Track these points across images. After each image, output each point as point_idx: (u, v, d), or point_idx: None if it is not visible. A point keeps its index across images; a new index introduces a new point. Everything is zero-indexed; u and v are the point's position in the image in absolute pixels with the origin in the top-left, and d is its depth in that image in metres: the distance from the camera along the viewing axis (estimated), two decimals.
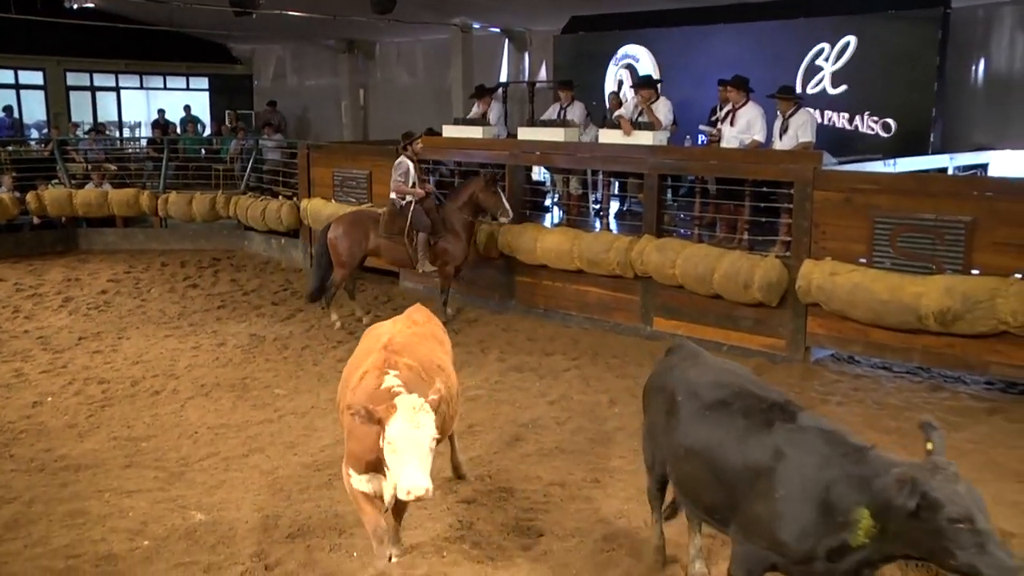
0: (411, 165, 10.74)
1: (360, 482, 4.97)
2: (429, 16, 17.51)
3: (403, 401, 4.55)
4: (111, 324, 11.37)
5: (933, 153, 12.12)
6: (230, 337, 10.70)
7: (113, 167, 18.05)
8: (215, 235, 16.43)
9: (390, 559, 5.21)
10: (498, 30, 19.13)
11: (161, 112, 22.80)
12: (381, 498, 4.97)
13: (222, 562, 5.51)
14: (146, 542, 5.77)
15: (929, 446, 3.66)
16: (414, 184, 10.73)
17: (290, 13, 16.89)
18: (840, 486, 3.75)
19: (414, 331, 5.56)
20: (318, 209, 13.98)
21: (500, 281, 11.60)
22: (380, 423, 4.52)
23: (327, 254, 11.01)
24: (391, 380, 4.82)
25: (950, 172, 11.46)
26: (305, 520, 6.01)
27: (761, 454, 4.05)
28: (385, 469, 4.66)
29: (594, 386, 8.86)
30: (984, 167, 12.34)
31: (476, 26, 18.63)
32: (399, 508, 5.18)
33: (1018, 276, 7.90)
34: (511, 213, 10.86)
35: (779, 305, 9.30)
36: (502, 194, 10.81)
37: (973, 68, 13.37)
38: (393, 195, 10.86)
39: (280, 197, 15.46)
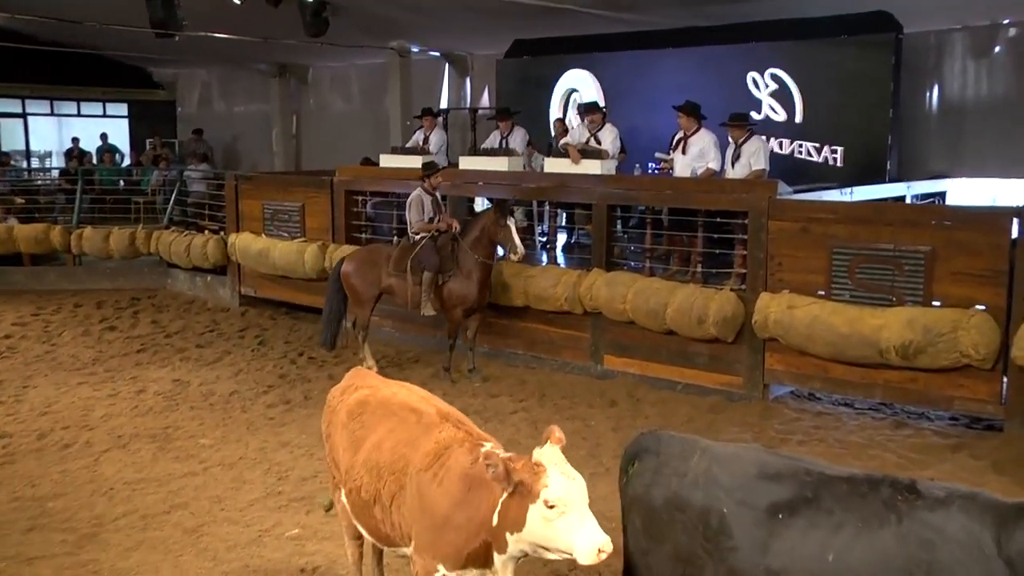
0: (426, 199, 10.47)
1: None
2: (365, 39, 17.54)
3: (544, 455, 3.96)
4: (15, 372, 11.02)
5: (890, 181, 12.38)
6: (151, 383, 10.47)
7: (20, 200, 17.66)
8: (135, 273, 16.12)
9: None
10: (438, 54, 19.21)
11: (75, 141, 22.43)
12: None
13: None
14: None
15: None
16: (431, 219, 10.42)
17: (217, 35, 16.77)
18: None
19: (420, 393, 4.96)
20: (247, 244, 13.82)
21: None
22: (524, 487, 3.91)
23: (340, 292, 10.81)
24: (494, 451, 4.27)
25: (908, 201, 11.70)
26: None
27: (905, 550, 3.44)
28: (522, 547, 4.04)
29: (543, 429, 8.63)
30: (942, 195, 12.64)
31: (414, 50, 18.70)
32: None
33: (979, 307, 8.05)
34: (522, 250, 10.09)
35: (735, 341, 9.35)
36: (513, 228, 10.16)
37: (927, 94, 13.76)
38: (410, 231, 10.66)
39: (206, 232, 15.26)
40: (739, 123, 10.42)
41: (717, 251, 10.17)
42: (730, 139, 10.45)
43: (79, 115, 24.51)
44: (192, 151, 20.98)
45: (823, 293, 8.86)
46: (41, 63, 20.98)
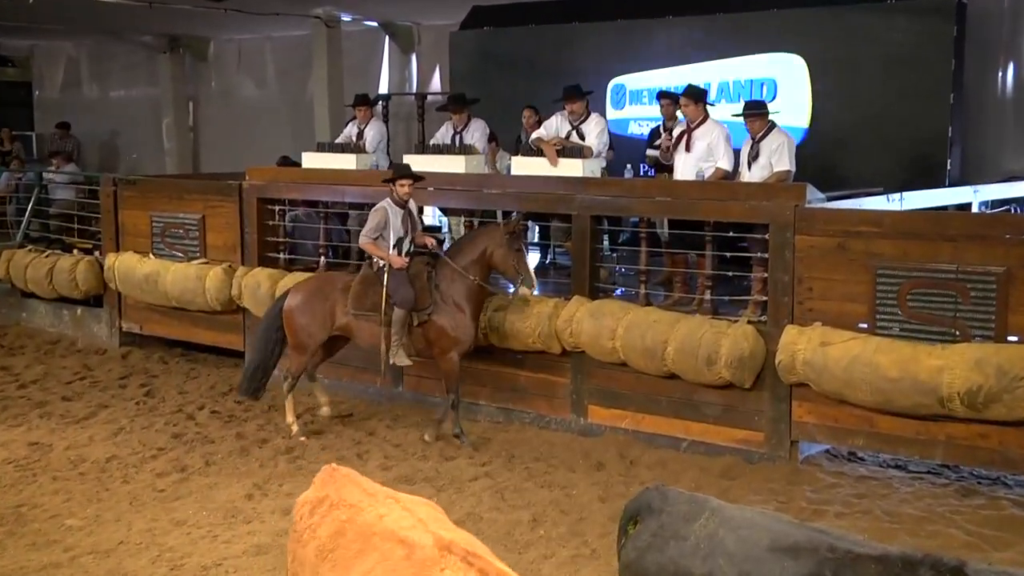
0: (393, 213, 10.34)
1: None
2: (282, 5, 17.61)
3: None
4: None
5: (951, 185, 12.60)
6: None
7: None
8: None
9: None
10: (375, 24, 19.36)
11: None
12: None
13: None
14: None
15: None
16: (399, 243, 10.31)
17: None
18: None
19: (419, 512, 4.52)
20: (130, 267, 13.81)
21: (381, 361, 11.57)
22: None
23: (278, 331, 10.74)
24: None
25: (975, 209, 11.90)
26: None
27: None
28: None
29: (511, 500, 8.86)
30: (1019, 202, 12.85)
31: (346, 18, 18.83)
32: None
33: None
34: (535, 283, 10.31)
35: (754, 386, 9.49)
36: (526, 254, 10.31)
37: (999, 75, 13.98)
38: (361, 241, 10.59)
39: (75, 251, 15.24)
40: (757, 113, 10.60)
41: (730, 273, 10.34)
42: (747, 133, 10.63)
43: None
44: (55, 148, 20.89)
45: (865, 326, 9.00)
46: None
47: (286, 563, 4.83)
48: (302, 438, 10.49)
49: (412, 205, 10.57)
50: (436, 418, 10.63)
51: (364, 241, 10.44)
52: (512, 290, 10.58)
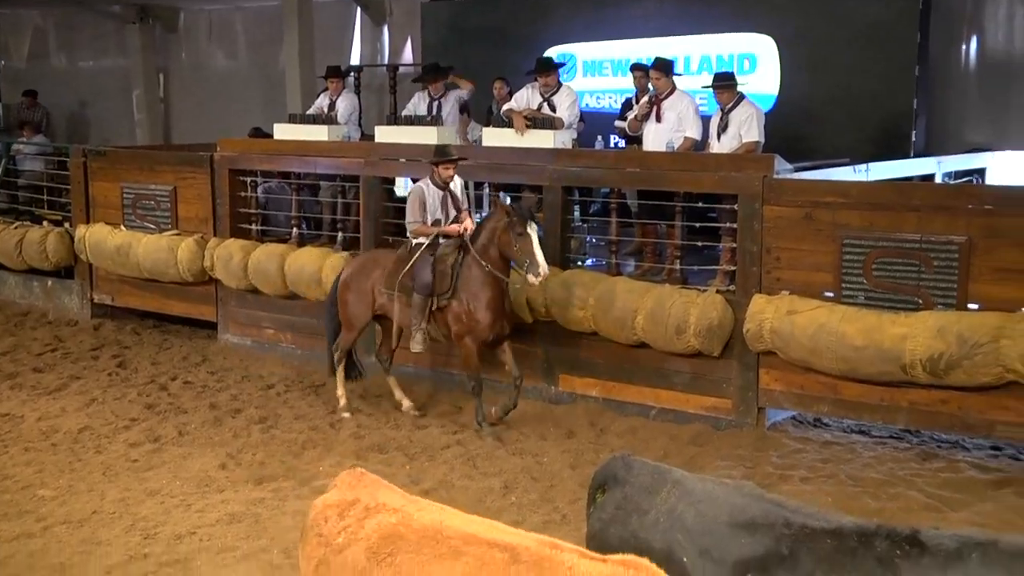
0: (432, 194, 10.20)
1: None
2: None
3: None
4: None
5: (916, 156, 12.71)
6: None
7: None
8: None
9: None
10: None
11: None
12: None
13: None
14: None
15: None
16: (438, 221, 10.13)
17: None
18: None
19: (472, 517, 4.37)
20: (101, 239, 13.78)
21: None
22: None
23: (334, 306, 10.68)
24: None
25: (938, 180, 12.02)
26: None
27: None
28: None
29: (482, 468, 8.97)
30: (981, 173, 12.98)
31: None
32: None
33: None
34: (544, 269, 9.49)
35: (722, 355, 9.58)
36: (534, 237, 9.63)
37: (963, 49, 14.04)
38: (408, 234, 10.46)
39: (45, 223, 15.18)
40: (726, 84, 10.67)
41: (699, 243, 10.42)
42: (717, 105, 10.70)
43: None
44: (24, 118, 20.73)
45: (831, 295, 9.13)
46: None
47: (300, 566, 4.58)
48: (345, 414, 10.39)
49: (457, 184, 10.39)
50: (493, 412, 10.13)
51: (414, 228, 10.20)
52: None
